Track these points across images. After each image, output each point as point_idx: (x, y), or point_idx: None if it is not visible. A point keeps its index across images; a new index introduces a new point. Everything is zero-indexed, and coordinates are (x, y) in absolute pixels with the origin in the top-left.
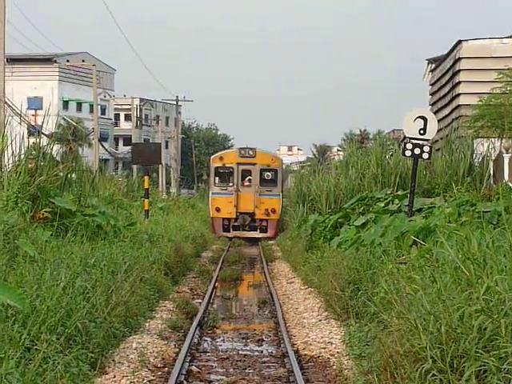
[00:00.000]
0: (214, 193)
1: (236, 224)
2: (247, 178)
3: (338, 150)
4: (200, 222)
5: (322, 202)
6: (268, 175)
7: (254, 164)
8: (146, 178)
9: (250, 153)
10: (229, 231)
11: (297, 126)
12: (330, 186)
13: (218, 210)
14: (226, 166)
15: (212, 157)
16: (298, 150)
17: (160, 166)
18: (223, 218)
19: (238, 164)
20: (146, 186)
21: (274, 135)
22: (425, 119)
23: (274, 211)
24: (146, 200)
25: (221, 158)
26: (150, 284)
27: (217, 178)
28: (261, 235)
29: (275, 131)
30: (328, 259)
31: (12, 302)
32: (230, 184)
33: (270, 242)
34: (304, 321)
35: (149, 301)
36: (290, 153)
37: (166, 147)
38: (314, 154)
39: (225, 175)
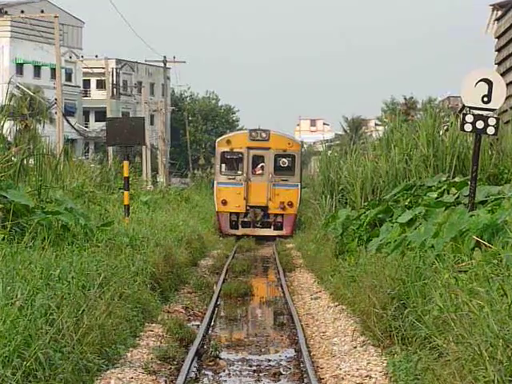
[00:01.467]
0: (219, 183)
1: (246, 220)
2: (260, 165)
3: (376, 125)
4: (197, 219)
5: (355, 193)
6: (284, 162)
7: (268, 148)
8: (126, 163)
9: (263, 135)
10: (237, 228)
11: (322, 94)
12: (366, 171)
13: (224, 203)
14: (235, 150)
15: (217, 140)
16: (324, 124)
17: (144, 147)
18: (230, 213)
19: (249, 148)
20: (126, 175)
21: (292, 106)
22: (489, 83)
23: (290, 205)
24: (126, 192)
25: (228, 142)
26: (133, 302)
27: (223, 165)
28: (275, 233)
29: (294, 101)
30: (364, 267)
31: None
32: (239, 172)
33: (287, 245)
34: (334, 348)
35: (131, 324)
36: (313, 129)
37: (152, 123)
38: (345, 130)
39: (233, 162)
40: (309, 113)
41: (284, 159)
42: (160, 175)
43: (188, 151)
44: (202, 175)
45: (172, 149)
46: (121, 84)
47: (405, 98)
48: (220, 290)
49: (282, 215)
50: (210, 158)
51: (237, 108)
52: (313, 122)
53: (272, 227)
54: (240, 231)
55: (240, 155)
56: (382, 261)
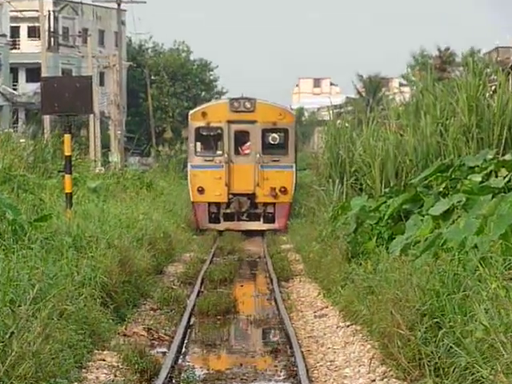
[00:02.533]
0: (194, 166)
1: (228, 211)
2: (247, 144)
3: (400, 85)
4: (163, 212)
5: (373, 176)
6: (274, 138)
7: (254, 122)
8: (67, 137)
9: (247, 105)
10: (218, 222)
11: (328, 46)
12: (387, 147)
13: (201, 191)
14: (212, 125)
15: (191, 112)
16: (332, 85)
17: (91, 116)
18: (209, 203)
19: (230, 122)
20: (68, 153)
21: (288, 61)
22: None
23: (284, 191)
24: (68, 176)
25: (203, 114)
26: (78, 322)
27: (198, 144)
28: (265, 227)
29: (290, 54)
30: (385, 275)
31: None
32: (219, 152)
33: (283, 246)
34: (345, 382)
35: (75, 351)
36: (316, 90)
37: (101, 84)
38: (360, 93)
39: (210, 139)
40: (312, 70)
41: (274, 134)
42: (113, 153)
43: (150, 121)
44: (170, 153)
45: (129, 118)
46: (60, 32)
47: (439, 50)
48: (194, 306)
49: (274, 204)
50: (179, 129)
51: (214, 64)
52: (316, 82)
53: (261, 220)
54: (221, 225)
55: (219, 131)
56: (408, 266)
